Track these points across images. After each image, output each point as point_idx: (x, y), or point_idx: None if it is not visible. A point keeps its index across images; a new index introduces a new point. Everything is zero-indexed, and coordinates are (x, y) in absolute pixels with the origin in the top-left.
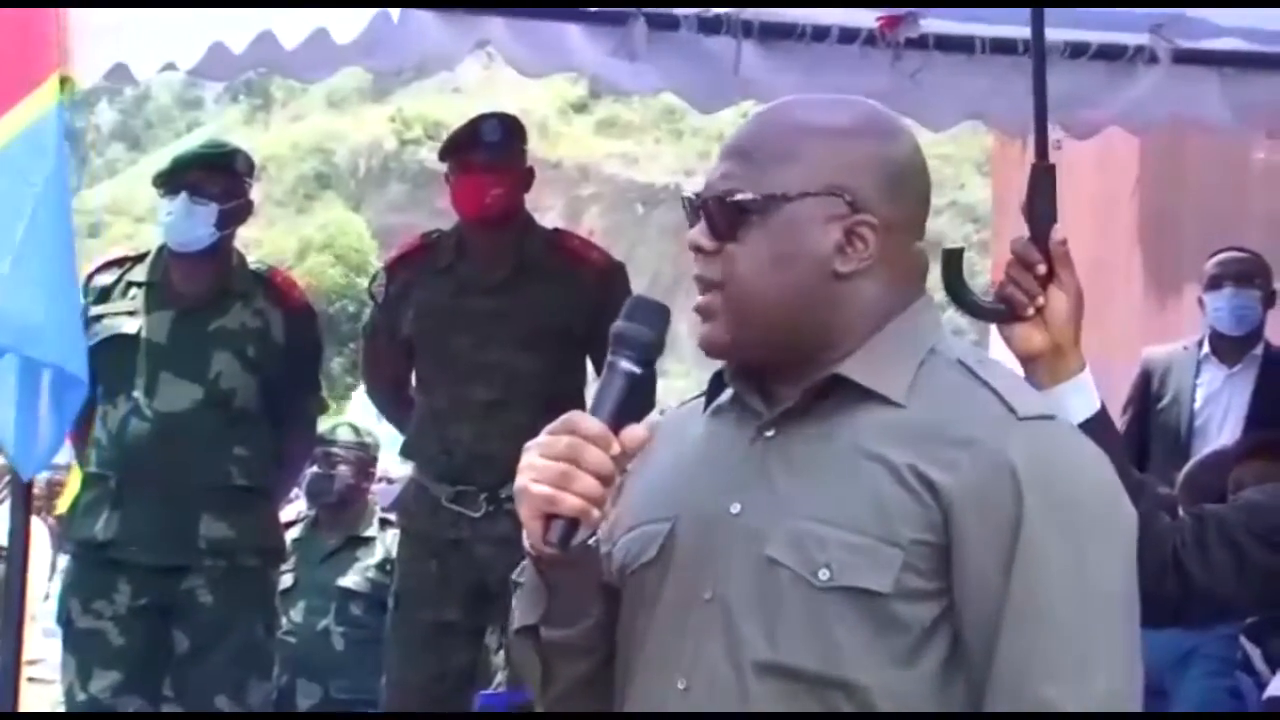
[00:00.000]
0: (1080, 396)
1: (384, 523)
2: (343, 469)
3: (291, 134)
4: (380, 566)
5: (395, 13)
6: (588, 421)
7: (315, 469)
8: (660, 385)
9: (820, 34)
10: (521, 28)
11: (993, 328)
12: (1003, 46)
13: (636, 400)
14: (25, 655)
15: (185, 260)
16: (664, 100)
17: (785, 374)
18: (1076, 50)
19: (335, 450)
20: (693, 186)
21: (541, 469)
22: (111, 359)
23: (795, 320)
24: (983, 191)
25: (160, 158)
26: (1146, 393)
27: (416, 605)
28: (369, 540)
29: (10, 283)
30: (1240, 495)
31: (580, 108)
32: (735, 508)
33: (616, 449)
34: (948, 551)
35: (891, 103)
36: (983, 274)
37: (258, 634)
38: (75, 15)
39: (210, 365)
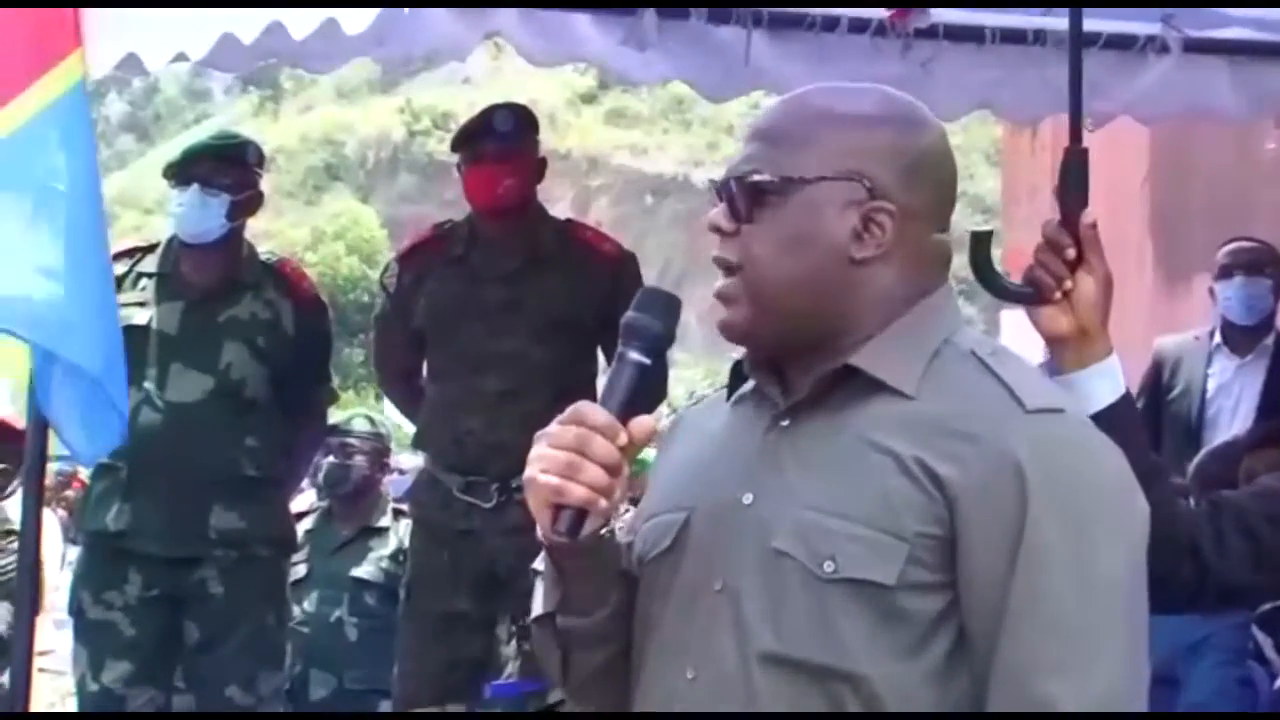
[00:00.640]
0: (1106, 381)
1: (397, 513)
2: (359, 459)
3: (301, 125)
4: (393, 557)
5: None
6: (595, 412)
7: (331, 459)
8: (670, 375)
9: (830, 24)
10: (531, 17)
11: (1002, 317)
12: (1012, 36)
13: (646, 391)
14: (37, 646)
15: (196, 251)
16: (672, 91)
17: (801, 363)
18: (1087, 40)
19: (351, 441)
20: (703, 176)
21: (549, 459)
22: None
23: (810, 304)
24: (992, 181)
25: (169, 149)
26: (1158, 383)
27: (428, 595)
28: (382, 531)
29: (49, 275)
30: (1256, 482)
31: (589, 99)
32: (748, 498)
33: (624, 440)
34: (953, 545)
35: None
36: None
37: (269, 624)
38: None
39: (221, 356)
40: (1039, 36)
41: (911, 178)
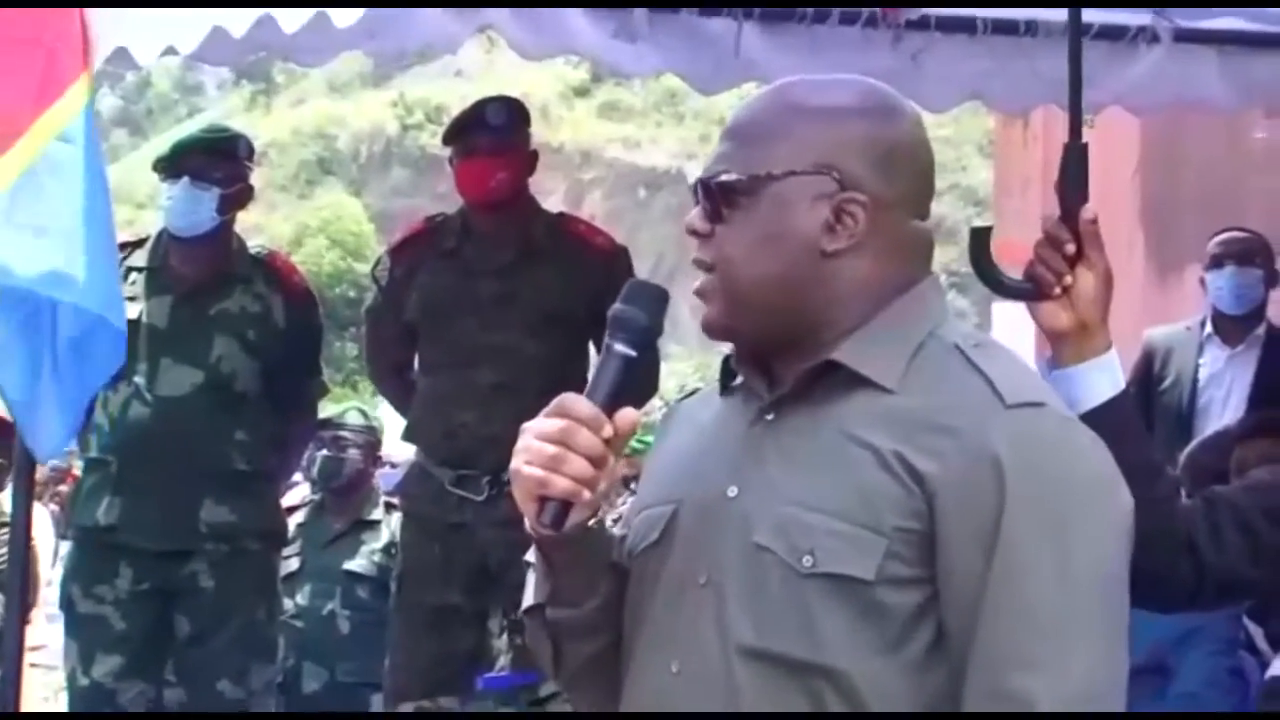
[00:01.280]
0: (1105, 375)
1: (389, 506)
2: (352, 452)
3: (293, 119)
4: (386, 550)
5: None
6: (580, 404)
7: (325, 452)
8: (663, 369)
9: (821, 16)
10: (522, 10)
11: (994, 310)
12: (1003, 27)
13: (633, 383)
14: (28, 641)
15: (186, 245)
16: (665, 84)
17: (785, 357)
18: None
19: (344, 434)
20: (696, 169)
21: (534, 451)
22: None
23: (786, 300)
24: (984, 173)
25: (161, 144)
26: (1148, 373)
27: (419, 588)
28: (374, 524)
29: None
30: (1249, 476)
31: (582, 92)
32: (732, 491)
33: (609, 431)
34: (932, 539)
35: (892, 84)
36: None
37: (259, 618)
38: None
39: (211, 349)
40: (1030, 28)
41: (885, 168)
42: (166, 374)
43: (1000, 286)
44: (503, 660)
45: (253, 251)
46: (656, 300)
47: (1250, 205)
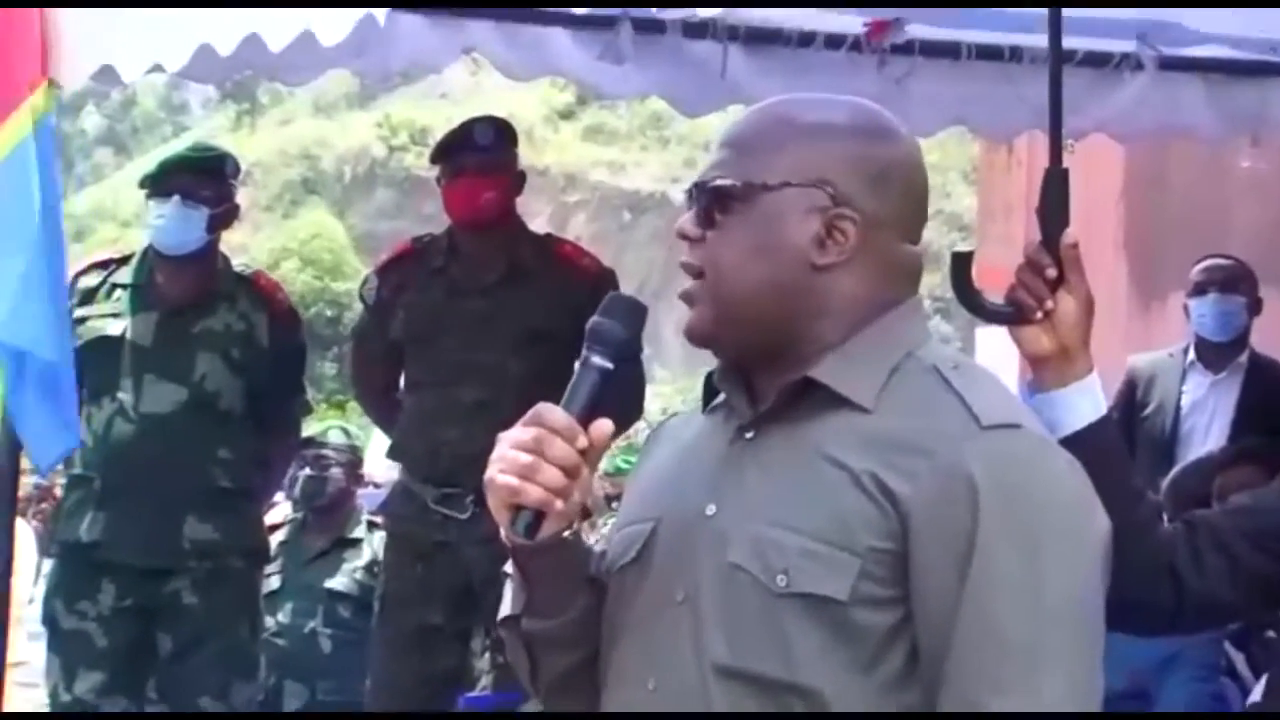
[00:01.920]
0: (1087, 399)
1: (371, 525)
2: (335, 471)
3: (278, 139)
4: (368, 568)
5: (381, 14)
6: (554, 414)
7: (308, 471)
8: (646, 391)
9: (806, 39)
10: (508, 32)
11: (978, 335)
12: (988, 53)
13: (610, 396)
14: (10, 658)
15: (171, 263)
16: (650, 107)
17: (766, 373)
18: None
19: (327, 453)
20: (681, 193)
21: (508, 460)
22: (96, 361)
23: (772, 310)
24: (968, 199)
25: (146, 163)
26: (1131, 400)
27: (401, 608)
28: (356, 542)
29: (22, 290)
30: (1230, 500)
31: (567, 114)
32: (710, 509)
33: (584, 442)
34: (906, 559)
35: None
36: None
37: (242, 635)
38: (61, 17)
39: (195, 367)
40: (1015, 53)
41: (878, 187)
42: (150, 391)
43: (982, 311)
44: (485, 680)
45: (237, 270)
46: (634, 314)
47: (1234, 233)
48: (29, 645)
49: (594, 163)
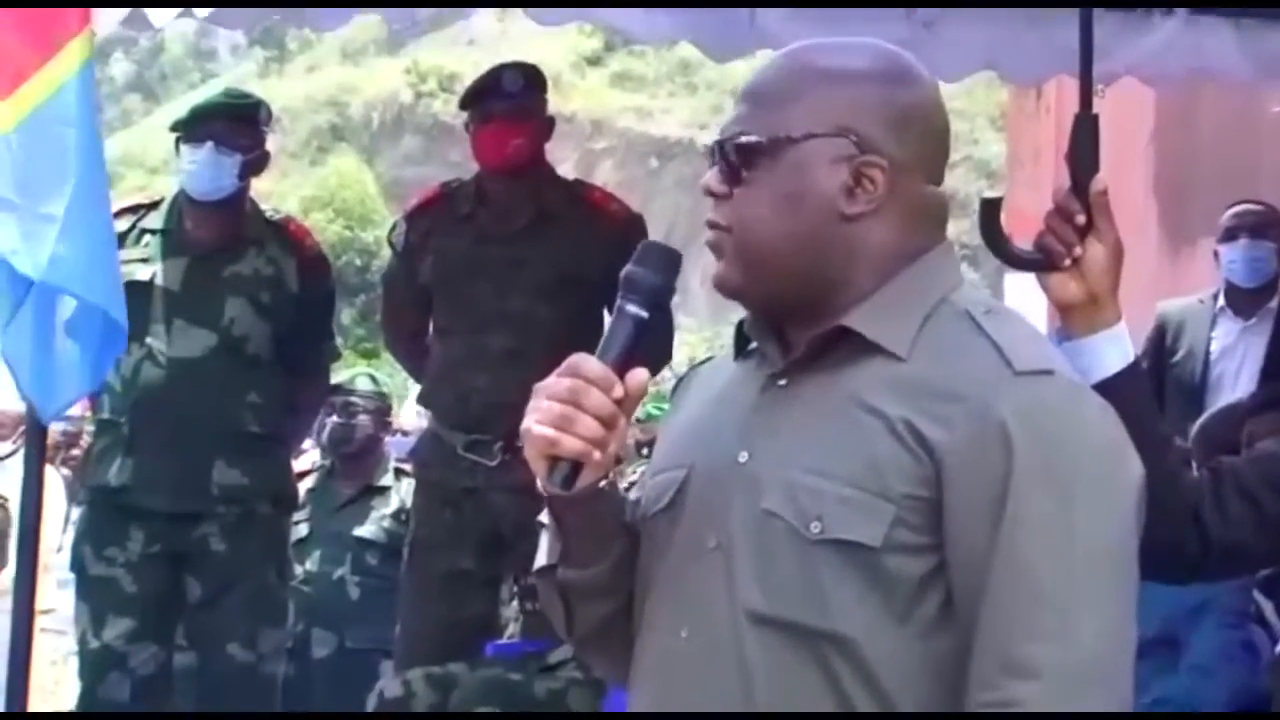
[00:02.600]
0: (1114, 347)
1: (399, 472)
2: (363, 418)
3: (306, 86)
4: (395, 516)
5: None
6: (590, 364)
7: (336, 418)
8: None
9: None
10: None
11: (1006, 282)
12: None
13: (645, 344)
14: (39, 605)
15: (201, 208)
16: (678, 53)
17: (798, 322)
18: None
19: (355, 400)
20: (708, 140)
21: (544, 411)
22: (125, 305)
23: (804, 263)
24: (997, 146)
25: (175, 109)
26: (1161, 346)
27: (431, 553)
28: (384, 490)
29: (63, 232)
30: (1256, 447)
31: (594, 61)
32: (743, 456)
33: (620, 392)
34: (940, 507)
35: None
36: None
37: (270, 581)
38: None
39: (224, 311)
40: None
41: (901, 131)
42: (180, 336)
43: (1010, 257)
44: (512, 628)
45: (267, 215)
46: (669, 261)
47: (1264, 178)
48: (58, 593)
49: (621, 109)
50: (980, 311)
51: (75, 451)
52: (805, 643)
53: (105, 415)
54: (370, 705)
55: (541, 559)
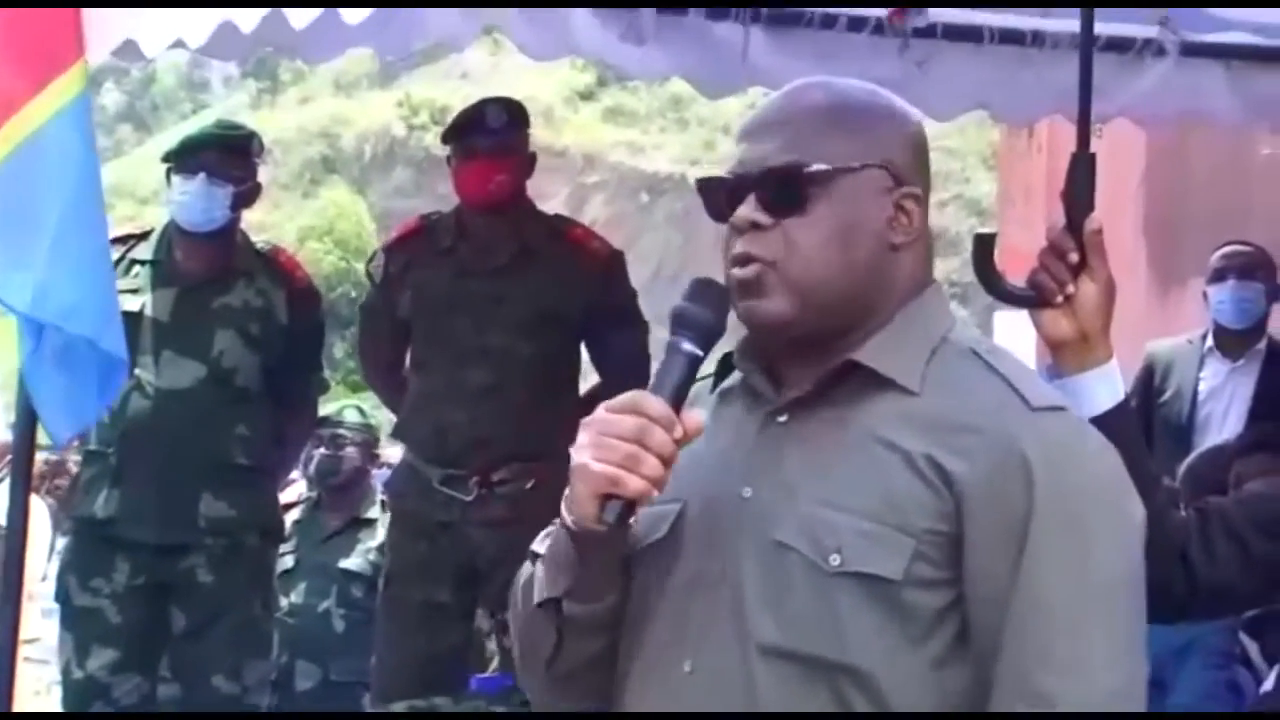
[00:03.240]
0: (1105, 385)
1: (385, 505)
2: (350, 450)
3: (298, 118)
4: (381, 549)
5: None
6: (653, 403)
7: (323, 450)
8: None
9: (828, 22)
10: (530, 12)
11: (995, 320)
12: (1010, 37)
13: (693, 383)
14: (22, 634)
15: (191, 239)
16: (670, 89)
17: (799, 357)
18: None
19: (342, 432)
20: (699, 175)
21: (608, 449)
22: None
23: (854, 292)
24: (988, 185)
25: (166, 140)
26: (1149, 386)
27: (406, 585)
28: (370, 522)
29: (50, 261)
30: (1244, 488)
31: (587, 95)
32: (746, 492)
33: (680, 432)
34: (959, 541)
35: (899, 91)
36: None
37: (256, 613)
38: None
39: (213, 343)
40: (1037, 38)
41: (920, 166)
42: (168, 367)
43: (1003, 293)
44: (495, 661)
45: (257, 247)
46: (721, 299)
47: (1255, 219)
48: (42, 622)
49: (613, 144)
50: (984, 349)
51: (60, 481)
52: (820, 675)
53: (93, 446)
54: None
55: (542, 592)
